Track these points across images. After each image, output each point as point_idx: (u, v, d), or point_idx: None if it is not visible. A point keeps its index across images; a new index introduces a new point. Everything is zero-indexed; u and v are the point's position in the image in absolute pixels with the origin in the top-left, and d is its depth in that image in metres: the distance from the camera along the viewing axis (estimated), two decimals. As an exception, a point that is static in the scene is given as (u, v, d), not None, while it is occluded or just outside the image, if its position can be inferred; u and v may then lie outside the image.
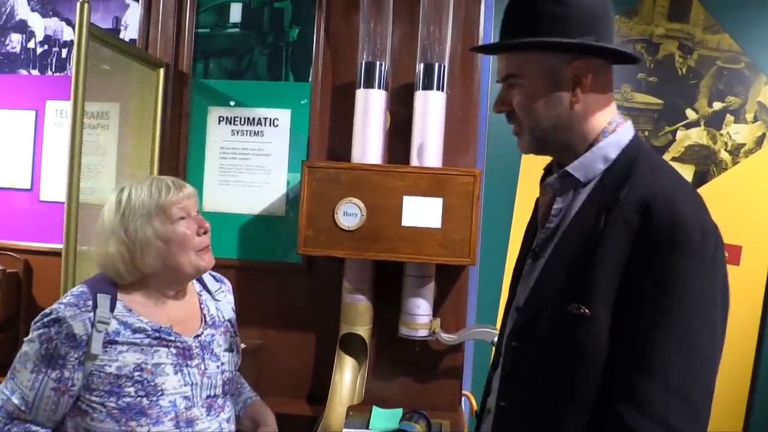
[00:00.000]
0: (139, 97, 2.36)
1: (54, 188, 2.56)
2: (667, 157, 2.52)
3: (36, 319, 1.31)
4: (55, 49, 2.57)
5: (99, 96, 2.19)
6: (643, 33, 2.54)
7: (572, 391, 1.00)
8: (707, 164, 2.52)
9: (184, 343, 1.36)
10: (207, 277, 1.55)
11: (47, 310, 1.30)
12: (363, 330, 2.20)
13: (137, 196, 1.34)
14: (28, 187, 2.59)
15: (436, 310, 2.23)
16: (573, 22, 1.02)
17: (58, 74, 2.57)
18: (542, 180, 1.17)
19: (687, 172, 2.49)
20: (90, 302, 1.29)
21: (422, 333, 2.17)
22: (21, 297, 2.55)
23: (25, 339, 1.30)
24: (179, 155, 2.43)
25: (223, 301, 1.54)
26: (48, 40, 2.58)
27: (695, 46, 2.53)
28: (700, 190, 2.51)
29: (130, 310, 1.34)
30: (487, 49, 1.20)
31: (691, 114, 2.52)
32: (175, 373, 1.33)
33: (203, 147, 2.43)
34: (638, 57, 1.09)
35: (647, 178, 1.00)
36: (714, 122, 2.51)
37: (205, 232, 1.39)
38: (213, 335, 1.45)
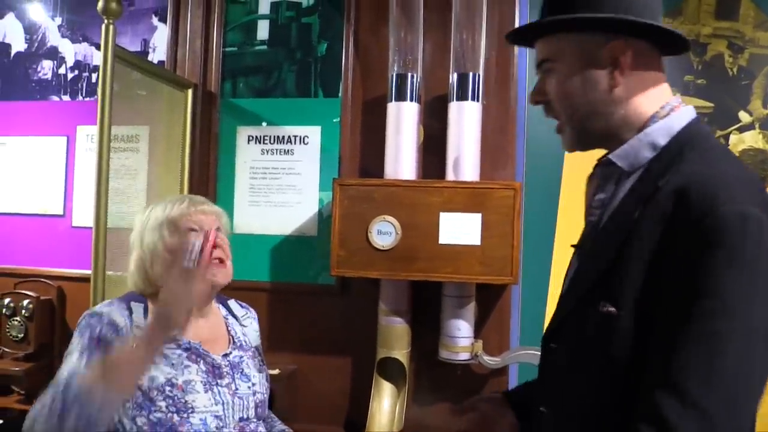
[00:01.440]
0: (168, 119, 2.33)
1: (86, 214, 2.53)
2: (720, 163, 2.37)
3: (78, 321, 1.31)
4: (85, 74, 2.57)
5: (128, 119, 2.17)
6: (689, 33, 2.39)
7: (602, 396, 0.92)
8: (764, 169, 2.35)
9: (214, 361, 1.34)
10: (233, 303, 1.54)
11: (86, 314, 1.31)
12: (401, 354, 2.10)
13: (155, 211, 1.39)
14: (61, 213, 2.58)
15: (477, 332, 2.12)
16: (608, 0, 0.95)
17: (88, 99, 2.56)
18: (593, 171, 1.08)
19: (742, 178, 2.33)
20: (124, 305, 1.32)
21: (463, 356, 2.06)
22: (55, 324, 2.53)
23: (70, 342, 1.28)
24: (209, 176, 2.39)
25: (249, 327, 1.52)
26: (78, 65, 2.58)
27: (746, 45, 2.37)
28: (758, 198, 2.35)
29: None
30: (521, 38, 1.10)
31: (744, 116, 2.35)
32: (206, 392, 1.29)
33: (233, 167, 2.38)
34: (684, 37, 0.97)
35: (691, 165, 0.90)
36: (770, 124, 2.34)
37: (214, 247, 1.33)
38: (242, 356, 1.41)
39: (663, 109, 0.97)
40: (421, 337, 2.15)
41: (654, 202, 0.90)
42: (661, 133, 0.96)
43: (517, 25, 2.18)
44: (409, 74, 2.08)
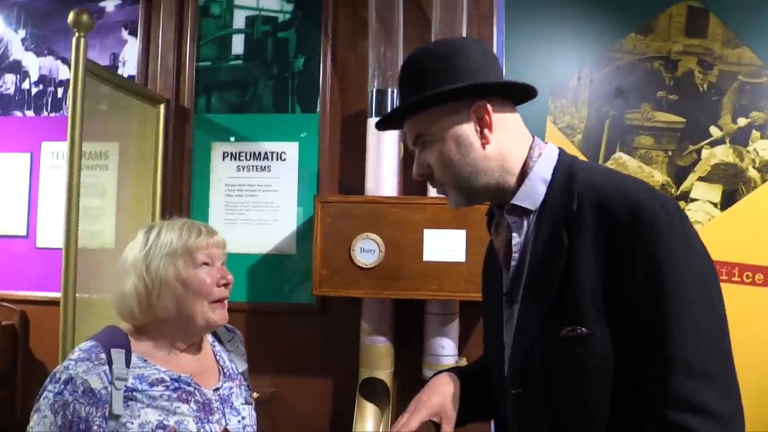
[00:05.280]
0: (139, 135, 2.26)
1: (51, 234, 2.43)
2: (693, 177, 2.40)
3: (44, 385, 1.18)
4: (51, 88, 2.47)
5: (97, 135, 2.09)
6: (660, 50, 2.44)
7: (591, 414, 0.97)
8: (735, 183, 2.40)
9: (204, 396, 1.27)
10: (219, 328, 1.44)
11: (54, 373, 1.18)
12: (384, 374, 2.06)
13: (166, 235, 1.28)
14: (24, 233, 2.46)
15: (461, 350, 2.09)
16: (457, 72, 1.04)
17: (54, 114, 2.46)
18: (488, 225, 1.16)
19: (715, 192, 2.37)
20: (103, 356, 1.19)
21: (448, 375, 2.02)
22: (18, 350, 2.41)
23: (34, 413, 1.16)
24: (182, 194, 2.32)
25: (235, 352, 1.45)
26: (43, 79, 2.48)
27: (715, 62, 2.42)
28: (730, 210, 2.40)
29: (146, 360, 1.24)
30: (389, 124, 1.18)
31: (715, 131, 2.40)
32: (198, 430, 1.23)
33: (207, 184, 2.31)
34: (529, 86, 1.08)
35: (590, 182, 1.01)
36: (740, 139, 2.39)
37: (225, 284, 1.31)
38: (231, 388, 1.35)
39: (533, 149, 1.07)
40: (404, 356, 2.11)
41: (576, 224, 0.98)
42: (545, 167, 1.06)
43: (495, 41, 2.19)
44: (389, 89, 2.06)
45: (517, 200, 1.06)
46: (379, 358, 2.05)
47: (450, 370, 1.24)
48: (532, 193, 1.05)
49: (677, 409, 0.87)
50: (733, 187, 2.36)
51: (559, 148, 1.09)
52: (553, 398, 1.01)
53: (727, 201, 2.39)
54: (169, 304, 1.25)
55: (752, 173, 2.36)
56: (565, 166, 1.06)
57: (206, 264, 1.28)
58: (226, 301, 1.32)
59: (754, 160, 2.38)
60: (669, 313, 0.90)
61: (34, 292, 2.43)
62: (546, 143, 1.10)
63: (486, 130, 1.04)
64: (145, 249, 1.27)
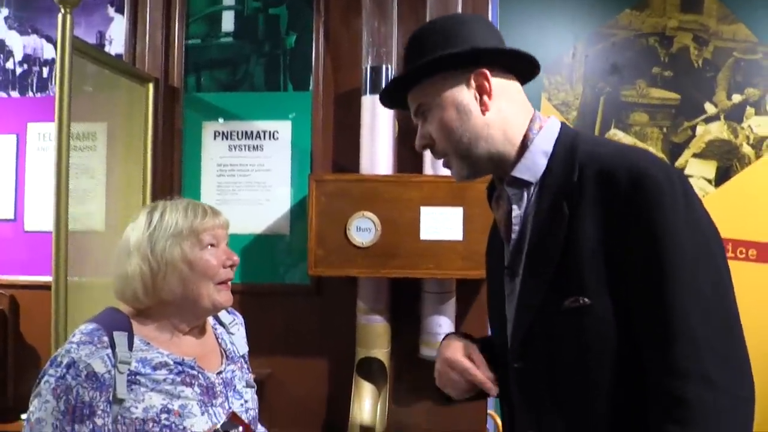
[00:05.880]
0: (127, 115, 2.21)
1: (39, 217, 2.38)
2: (687, 153, 2.40)
3: (43, 369, 1.14)
4: (36, 68, 2.41)
5: (84, 116, 2.03)
6: (655, 26, 2.42)
7: (593, 385, 0.97)
8: (730, 159, 2.40)
9: (208, 380, 1.25)
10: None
11: (56, 357, 1.15)
12: (381, 353, 2.05)
13: (171, 216, 1.25)
14: (11, 217, 2.41)
15: (457, 328, 2.08)
16: (458, 40, 1.04)
17: (39, 95, 2.40)
18: (489, 198, 1.16)
19: (709, 168, 2.37)
20: (105, 339, 1.16)
21: (445, 353, 2.02)
22: (8, 335, 2.37)
23: (34, 398, 1.12)
24: (173, 175, 2.28)
25: (237, 335, 1.43)
26: (28, 59, 2.42)
27: (710, 38, 2.42)
28: (725, 186, 2.40)
29: (148, 343, 1.22)
30: (393, 100, 1.18)
31: (710, 108, 2.40)
32: (202, 414, 1.21)
33: (199, 165, 2.27)
34: (531, 56, 1.06)
35: (593, 152, 1.00)
36: (734, 115, 2.39)
37: (231, 266, 1.29)
38: (234, 371, 1.34)
39: (534, 122, 1.07)
40: (401, 335, 2.10)
41: (578, 194, 0.97)
42: (546, 139, 1.05)
43: (490, 12, 2.16)
44: (384, 66, 2.02)
45: (517, 172, 1.06)
46: (375, 337, 2.04)
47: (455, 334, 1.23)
48: (533, 166, 1.05)
49: (678, 378, 0.87)
50: (727, 163, 2.36)
51: (562, 122, 1.08)
52: (556, 371, 1.01)
53: (722, 177, 2.40)
54: (175, 286, 1.23)
55: (746, 149, 2.36)
56: (567, 138, 1.05)
57: (212, 245, 1.27)
58: (230, 283, 1.30)
59: (748, 137, 2.38)
60: (671, 282, 0.89)
61: (24, 277, 2.39)
62: (548, 117, 1.09)
63: (485, 97, 1.04)
64: (150, 230, 1.24)
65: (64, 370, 1.12)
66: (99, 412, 1.11)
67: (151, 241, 1.23)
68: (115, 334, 1.17)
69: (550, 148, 1.05)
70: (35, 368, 2.32)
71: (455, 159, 1.08)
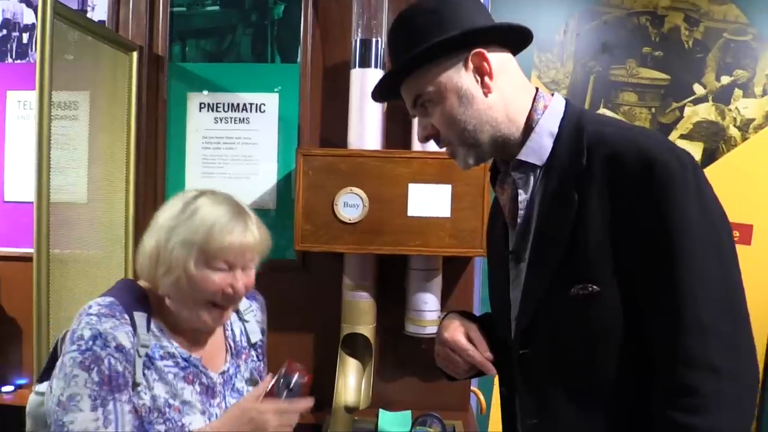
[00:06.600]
0: (110, 84, 2.15)
1: (20, 187, 2.34)
2: (674, 134, 2.41)
3: (59, 350, 1.08)
4: (15, 33, 2.34)
5: (66, 84, 1.98)
6: (647, 5, 2.41)
7: (598, 372, 0.96)
8: (716, 141, 2.41)
9: (210, 380, 1.21)
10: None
11: (73, 331, 1.06)
12: (366, 329, 2.05)
13: (201, 217, 1.12)
14: (-9, 186, 2.36)
15: (443, 305, 2.09)
16: (448, 23, 0.99)
17: (19, 62, 2.34)
18: (493, 181, 1.13)
19: (696, 149, 2.38)
20: (126, 316, 1.09)
21: (430, 330, 2.03)
22: (-12, 307, 2.34)
23: (58, 380, 1.04)
24: (157, 146, 2.24)
25: (251, 321, 1.36)
26: (7, 24, 2.34)
27: (701, 18, 2.41)
28: (710, 168, 2.41)
29: (162, 330, 1.17)
30: (386, 92, 1.12)
31: (698, 89, 2.40)
32: (202, 413, 1.18)
33: (183, 136, 2.23)
34: (524, 27, 1.03)
35: (601, 134, 0.97)
36: (722, 97, 2.40)
37: (234, 293, 1.15)
38: (237, 366, 1.29)
39: (537, 101, 1.03)
40: (386, 312, 2.10)
41: (587, 178, 0.95)
42: (552, 120, 1.02)
43: (484, -10, 2.12)
44: (374, 39, 1.99)
45: (522, 156, 1.03)
46: (361, 313, 2.04)
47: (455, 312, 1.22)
48: (539, 148, 1.02)
49: (684, 365, 0.86)
50: (714, 145, 2.38)
51: (566, 99, 1.05)
52: (561, 357, 1.00)
53: (708, 159, 2.41)
54: (169, 288, 1.14)
55: (733, 131, 2.37)
56: (573, 118, 1.02)
57: (221, 270, 1.13)
58: (229, 309, 1.19)
59: (735, 119, 2.39)
60: (679, 268, 0.88)
61: (4, 248, 2.35)
62: (552, 94, 1.06)
63: (486, 78, 1.01)
64: (175, 221, 1.13)
65: (90, 342, 1.04)
66: (131, 384, 1.06)
67: (169, 233, 1.13)
68: (136, 314, 1.11)
69: (555, 129, 1.02)
70: (17, 341, 2.29)
71: (461, 147, 1.05)
